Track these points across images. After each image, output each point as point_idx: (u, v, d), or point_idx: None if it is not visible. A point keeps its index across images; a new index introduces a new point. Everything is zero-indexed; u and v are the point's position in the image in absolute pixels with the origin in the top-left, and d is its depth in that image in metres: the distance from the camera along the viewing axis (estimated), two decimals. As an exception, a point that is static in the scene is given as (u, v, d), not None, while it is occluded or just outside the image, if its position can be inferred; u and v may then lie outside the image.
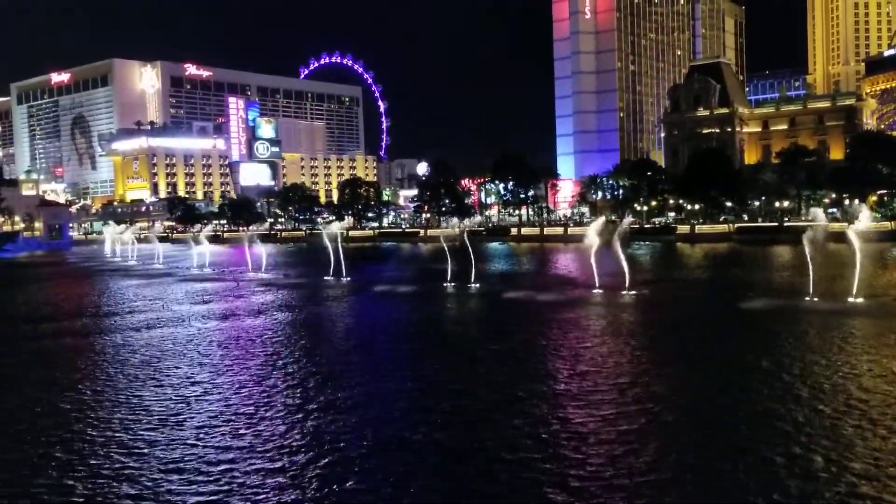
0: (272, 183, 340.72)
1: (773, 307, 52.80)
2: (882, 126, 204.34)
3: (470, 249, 76.43)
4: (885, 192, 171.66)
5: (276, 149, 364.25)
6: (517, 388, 31.53)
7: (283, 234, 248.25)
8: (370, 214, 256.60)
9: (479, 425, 26.69)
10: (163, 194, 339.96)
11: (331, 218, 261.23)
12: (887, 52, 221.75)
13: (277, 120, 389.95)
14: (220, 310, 61.57)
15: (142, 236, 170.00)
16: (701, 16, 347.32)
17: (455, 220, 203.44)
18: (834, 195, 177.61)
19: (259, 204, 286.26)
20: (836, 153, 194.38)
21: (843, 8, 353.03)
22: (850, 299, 51.81)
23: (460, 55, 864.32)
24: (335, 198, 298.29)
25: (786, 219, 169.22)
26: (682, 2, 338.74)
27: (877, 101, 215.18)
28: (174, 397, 31.84)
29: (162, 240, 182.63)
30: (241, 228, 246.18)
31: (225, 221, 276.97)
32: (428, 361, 38.76)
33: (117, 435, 26.67)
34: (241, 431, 26.67)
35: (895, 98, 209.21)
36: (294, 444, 25.12)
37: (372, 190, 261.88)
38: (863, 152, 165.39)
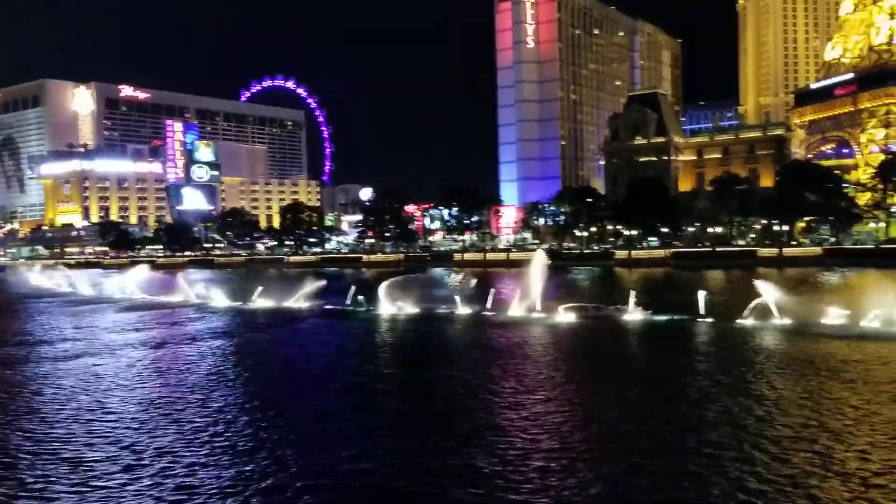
0: (210, 207, 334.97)
1: (699, 328, 54.35)
2: (810, 155, 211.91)
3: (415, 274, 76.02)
4: (812, 219, 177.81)
5: (216, 172, 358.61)
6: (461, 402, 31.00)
7: (220, 258, 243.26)
8: (312, 240, 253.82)
9: (426, 460, 26.05)
10: (95, 219, 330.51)
11: (271, 243, 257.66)
12: (814, 85, 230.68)
13: (217, 143, 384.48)
14: (154, 337, 59.49)
15: (56, 263, 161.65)
16: (639, 48, 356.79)
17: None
18: (764, 221, 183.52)
19: (196, 229, 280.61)
20: (767, 181, 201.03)
21: (773, 42, 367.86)
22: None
23: (406, 82, 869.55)
24: (276, 223, 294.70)
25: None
26: (621, 34, 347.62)
27: (805, 131, 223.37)
28: (95, 433, 30.26)
29: (90, 265, 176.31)
30: (181, 254, 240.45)
31: (161, 247, 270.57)
32: (367, 391, 37.94)
33: (21, 475, 25.10)
34: (165, 472, 25.40)
35: (822, 129, 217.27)
36: (225, 484, 24.01)
37: (314, 215, 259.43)
38: (792, 181, 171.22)
